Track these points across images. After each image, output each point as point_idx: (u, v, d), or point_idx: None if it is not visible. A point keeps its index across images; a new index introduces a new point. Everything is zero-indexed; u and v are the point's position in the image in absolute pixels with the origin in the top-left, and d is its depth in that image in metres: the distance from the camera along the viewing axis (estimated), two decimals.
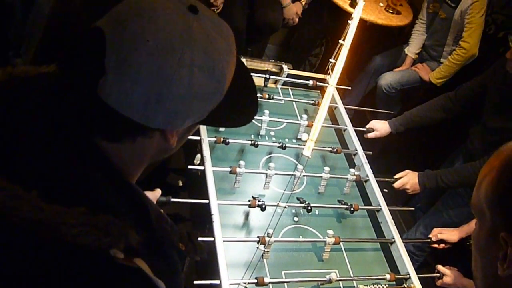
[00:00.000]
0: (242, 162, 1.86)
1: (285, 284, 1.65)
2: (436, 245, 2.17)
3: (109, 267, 0.65)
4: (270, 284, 1.61)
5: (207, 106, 0.74)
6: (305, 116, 2.21)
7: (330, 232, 1.78)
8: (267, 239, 1.64)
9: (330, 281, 1.65)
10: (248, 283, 1.52)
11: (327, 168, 2.03)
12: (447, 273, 1.99)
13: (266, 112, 2.12)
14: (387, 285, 1.78)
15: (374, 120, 2.56)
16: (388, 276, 1.77)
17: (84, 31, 0.68)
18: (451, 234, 2.12)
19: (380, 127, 2.51)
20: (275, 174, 1.91)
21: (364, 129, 2.51)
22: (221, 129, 2.04)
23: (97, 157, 0.71)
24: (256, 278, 1.55)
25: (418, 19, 3.62)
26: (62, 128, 0.70)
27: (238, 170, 1.84)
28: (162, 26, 0.66)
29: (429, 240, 2.19)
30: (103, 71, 0.65)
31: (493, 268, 0.69)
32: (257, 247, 1.63)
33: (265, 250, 1.65)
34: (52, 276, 0.63)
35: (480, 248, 0.74)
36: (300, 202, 1.87)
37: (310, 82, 2.46)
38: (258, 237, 1.65)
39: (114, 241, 0.64)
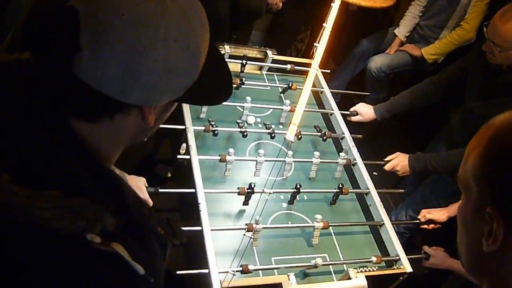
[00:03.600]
0: (231, 150, 1.84)
1: (275, 270, 1.65)
2: (425, 226, 2.18)
3: (85, 251, 0.64)
4: (260, 271, 1.61)
5: (183, 82, 0.73)
6: (288, 102, 2.20)
7: (319, 216, 1.78)
8: (254, 226, 1.63)
9: (315, 266, 1.64)
10: (236, 271, 1.52)
11: (317, 153, 2.02)
12: (433, 254, 2.01)
13: (248, 98, 2.11)
14: (376, 267, 1.78)
15: (360, 104, 2.55)
16: (374, 259, 1.77)
17: (57, 11, 0.67)
18: (440, 214, 2.13)
19: (365, 112, 2.50)
20: (265, 160, 1.90)
21: (349, 112, 2.50)
22: (202, 115, 2.03)
23: (72, 139, 0.70)
24: (241, 266, 1.55)
25: (415, 0, 3.59)
26: (36, 111, 0.68)
27: (227, 158, 1.83)
28: (136, 1, 0.66)
29: (418, 221, 2.19)
30: (78, 48, 0.64)
31: (478, 244, 0.69)
32: (244, 235, 1.62)
33: (253, 237, 1.64)
34: (27, 260, 0.62)
35: (466, 224, 0.74)
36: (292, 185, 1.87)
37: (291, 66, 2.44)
38: (246, 224, 1.64)
39: (89, 224, 0.64)
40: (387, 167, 2.32)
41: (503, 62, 2.04)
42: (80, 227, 0.63)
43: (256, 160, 1.90)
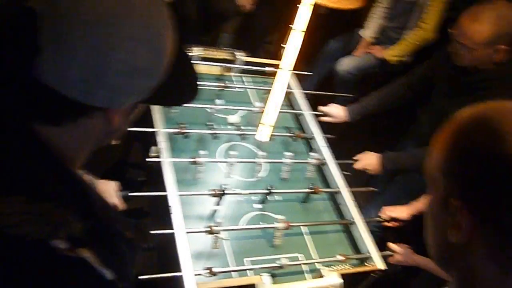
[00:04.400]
0: (202, 152, 1.84)
1: (247, 271, 1.65)
2: (388, 224, 2.19)
3: (51, 258, 0.63)
4: (233, 273, 1.61)
5: (148, 83, 0.72)
6: (258, 103, 2.20)
7: (280, 217, 1.78)
8: (215, 228, 1.63)
9: (281, 266, 1.64)
10: (207, 273, 1.52)
11: (288, 154, 2.03)
12: (398, 250, 2.02)
13: (218, 101, 2.11)
14: (347, 265, 1.80)
15: (331, 105, 2.57)
16: (339, 257, 1.79)
17: (14, 13, 0.64)
18: (400, 211, 2.15)
19: (336, 113, 2.52)
20: (238, 162, 1.90)
21: (320, 113, 2.52)
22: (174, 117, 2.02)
23: (36, 143, 0.68)
24: (207, 268, 1.55)
25: (377, 2, 3.64)
26: None
27: (198, 160, 1.82)
28: (98, 0, 0.64)
29: (380, 219, 2.20)
30: (37, 50, 0.62)
31: (445, 236, 0.70)
32: (216, 237, 1.62)
33: (215, 239, 1.64)
34: None
35: (432, 216, 0.75)
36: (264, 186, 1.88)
37: (266, 68, 2.47)
38: (209, 226, 1.64)
39: (55, 230, 0.62)
40: (357, 166, 2.34)
41: (470, 63, 2.06)
42: (46, 232, 0.62)
43: (227, 162, 1.90)
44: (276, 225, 1.76)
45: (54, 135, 0.70)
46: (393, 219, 2.17)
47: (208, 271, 1.53)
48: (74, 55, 0.63)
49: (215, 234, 1.62)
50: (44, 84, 0.64)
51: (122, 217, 0.78)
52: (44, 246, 0.62)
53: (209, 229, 1.64)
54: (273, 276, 1.62)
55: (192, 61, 0.87)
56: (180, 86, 0.82)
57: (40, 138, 0.69)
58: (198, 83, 0.85)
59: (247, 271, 1.65)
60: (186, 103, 0.87)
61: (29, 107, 0.67)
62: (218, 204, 1.78)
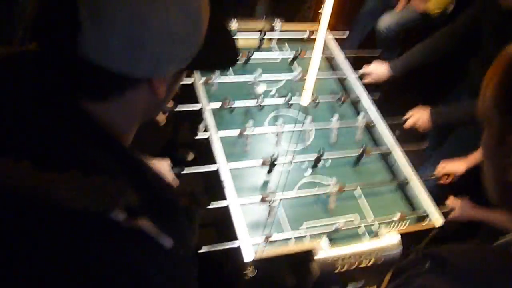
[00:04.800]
0: (250, 122, 1.84)
1: (307, 236, 1.66)
2: (445, 180, 2.14)
3: (111, 229, 0.65)
4: (293, 239, 1.63)
5: (188, 49, 0.73)
6: (299, 69, 2.18)
7: (332, 180, 1.78)
8: (268, 197, 1.64)
9: (337, 230, 1.65)
10: (269, 241, 1.54)
11: (335, 117, 2.01)
12: (456, 205, 1.97)
13: (259, 70, 2.10)
14: (407, 224, 1.78)
15: (374, 63, 2.51)
16: (398, 215, 1.78)
17: None
18: (458, 165, 2.09)
19: (379, 71, 2.46)
20: (284, 131, 1.90)
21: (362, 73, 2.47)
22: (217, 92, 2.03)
23: (85, 120, 0.70)
24: (265, 236, 1.57)
25: None
26: (46, 97, 0.69)
27: (246, 132, 1.83)
28: None
29: (434, 176, 2.15)
30: (78, 26, 0.63)
31: (505, 175, 0.69)
32: (269, 205, 1.64)
33: (269, 208, 1.66)
34: (53, 243, 0.63)
35: (490, 157, 0.73)
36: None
37: (305, 35, 2.42)
38: (262, 196, 1.65)
39: (112, 201, 0.64)
40: (407, 124, 2.29)
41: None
42: (104, 204, 0.64)
43: (274, 132, 1.90)
44: (329, 189, 1.76)
45: (102, 111, 0.72)
46: (449, 174, 2.12)
47: (265, 238, 1.55)
48: (113, 28, 0.64)
49: (269, 203, 1.64)
50: (88, 60, 0.65)
51: (174, 186, 0.80)
52: (103, 218, 0.64)
53: (262, 198, 1.66)
54: (331, 240, 1.63)
55: (227, 26, 0.87)
56: (220, 50, 0.82)
57: (90, 115, 0.70)
58: (236, 46, 0.85)
59: (304, 237, 1.66)
60: (228, 67, 0.88)
61: (75, 85, 0.69)
62: (269, 173, 1.79)
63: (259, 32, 2.33)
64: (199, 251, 1.46)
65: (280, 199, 1.68)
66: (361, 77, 2.44)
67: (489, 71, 0.71)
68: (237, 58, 0.87)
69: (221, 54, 0.83)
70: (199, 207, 0.83)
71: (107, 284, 0.65)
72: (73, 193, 0.62)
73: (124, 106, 0.73)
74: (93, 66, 0.66)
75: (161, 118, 1.94)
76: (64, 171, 0.63)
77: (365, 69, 2.46)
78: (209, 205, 0.84)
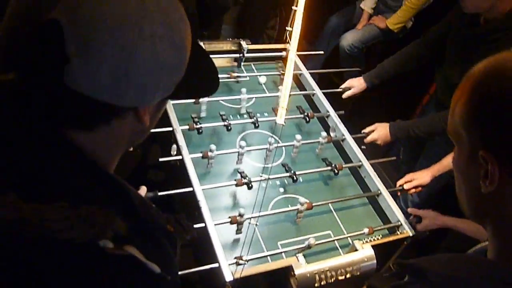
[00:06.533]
0: (213, 146, 1.85)
1: (283, 254, 1.67)
2: (412, 191, 2.18)
3: (100, 258, 0.65)
4: (269, 257, 1.63)
5: (173, 78, 0.74)
6: (269, 89, 2.21)
7: (302, 199, 1.80)
8: (238, 218, 1.65)
9: (309, 246, 1.65)
10: (246, 260, 1.54)
11: (298, 136, 2.02)
12: (424, 215, 2.01)
13: (243, 90, 2.13)
14: (381, 236, 1.82)
15: (350, 79, 2.61)
16: (366, 230, 1.80)
17: (38, 27, 0.66)
18: (422, 176, 2.14)
19: (356, 84, 2.57)
20: (251, 150, 1.91)
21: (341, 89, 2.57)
22: (192, 114, 2.03)
23: (72, 150, 0.70)
24: (238, 257, 1.56)
25: None
26: (32, 127, 0.69)
27: (209, 154, 1.84)
28: (114, 4, 0.66)
29: (400, 188, 2.17)
30: (66, 59, 0.64)
31: (476, 188, 0.72)
32: (249, 223, 1.64)
33: (238, 227, 1.67)
34: (42, 274, 0.63)
35: (462, 172, 0.77)
36: (286, 170, 1.90)
37: (278, 53, 2.49)
38: (229, 217, 1.65)
39: (100, 231, 0.64)
40: (367, 139, 2.34)
41: (475, 10, 2.04)
42: (92, 234, 0.64)
43: (238, 152, 1.92)
44: (298, 207, 1.78)
45: (88, 140, 0.72)
46: (417, 186, 2.16)
47: (241, 259, 1.55)
48: (101, 60, 0.65)
49: (244, 222, 1.65)
50: (75, 91, 0.66)
51: (160, 212, 0.80)
52: (92, 247, 0.64)
53: (238, 218, 1.66)
54: (307, 256, 1.64)
55: (207, 52, 0.89)
56: (201, 78, 0.84)
57: (76, 145, 0.71)
58: (217, 72, 0.88)
59: (282, 253, 1.67)
60: (211, 92, 0.89)
61: (62, 116, 0.69)
62: (247, 191, 1.80)
63: (227, 53, 2.36)
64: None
65: (251, 218, 1.68)
66: (341, 92, 2.56)
67: (457, 90, 0.75)
68: (218, 82, 0.88)
69: (203, 80, 0.85)
70: (185, 233, 0.83)
71: None
72: (63, 224, 0.62)
73: (110, 134, 0.73)
74: (80, 96, 0.66)
75: None
76: (51, 202, 0.63)
77: (346, 84, 2.58)
78: (195, 234, 0.84)
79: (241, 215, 1.65)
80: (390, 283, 0.81)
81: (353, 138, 2.17)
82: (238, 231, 1.70)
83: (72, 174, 0.68)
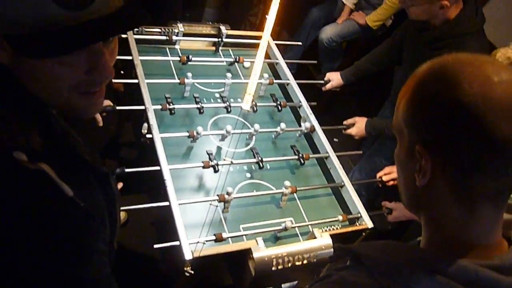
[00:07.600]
0: (200, 128, 1.89)
1: (244, 236, 1.72)
2: (389, 183, 2.25)
3: (12, 168, 0.67)
4: (229, 239, 1.68)
5: (20, 12, 0.66)
6: (243, 75, 2.24)
7: (287, 183, 1.85)
8: (226, 196, 1.69)
9: (285, 228, 1.72)
10: (206, 241, 1.58)
11: (257, 126, 2.05)
12: (394, 207, 2.11)
13: (189, 74, 2.12)
14: (340, 226, 1.88)
15: (329, 73, 2.70)
16: (340, 218, 1.87)
17: None
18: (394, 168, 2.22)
19: (334, 78, 2.66)
20: (226, 134, 1.95)
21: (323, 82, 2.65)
22: (166, 95, 2.05)
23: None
24: (214, 234, 1.61)
25: None
26: None
27: (195, 134, 1.88)
28: None
29: (379, 180, 2.27)
30: None
31: (412, 181, 0.78)
32: (210, 204, 1.68)
33: (225, 206, 1.72)
34: None
35: (401, 165, 0.83)
36: (254, 155, 1.95)
37: (250, 40, 2.50)
38: (217, 195, 1.70)
39: (14, 137, 0.66)
40: (347, 131, 2.45)
41: (418, 18, 2.13)
42: (5, 139, 0.66)
43: (216, 135, 1.95)
44: (283, 190, 1.84)
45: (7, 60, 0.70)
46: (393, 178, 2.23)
47: (216, 237, 1.60)
48: None
49: (210, 204, 1.69)
50: None
51: (82, 145, 0.82)
52: (7, 157, 0.66)
53: (203, 199, 1.70)
54: (268, 240, 1.69)
55: None
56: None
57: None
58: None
59: (244, 236, 1.72)
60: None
61: None
62: (213, 173, 1.84)
63: (206, 36, 2.38)
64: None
65: (218, 200, 1.72)
66: (322, 85, 2.68)
67: (403, 89, 0.80)
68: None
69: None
70: (103, 166, 0.85)
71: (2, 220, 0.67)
72: None
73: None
74: None
75: (98, 118, 1.94)
76: None
77: (326, 77, 2.68)
78: (118, 170, 0.85)
79: (228, 194, 1.70)
80: (334, 263, 0.87)
81: (323, 130, 2.22)
82: (226, 209, 1.75)
83: None
